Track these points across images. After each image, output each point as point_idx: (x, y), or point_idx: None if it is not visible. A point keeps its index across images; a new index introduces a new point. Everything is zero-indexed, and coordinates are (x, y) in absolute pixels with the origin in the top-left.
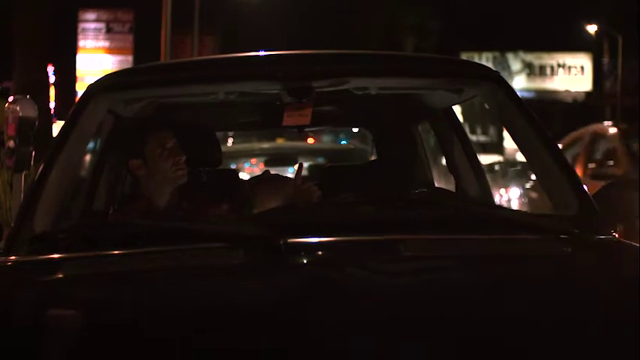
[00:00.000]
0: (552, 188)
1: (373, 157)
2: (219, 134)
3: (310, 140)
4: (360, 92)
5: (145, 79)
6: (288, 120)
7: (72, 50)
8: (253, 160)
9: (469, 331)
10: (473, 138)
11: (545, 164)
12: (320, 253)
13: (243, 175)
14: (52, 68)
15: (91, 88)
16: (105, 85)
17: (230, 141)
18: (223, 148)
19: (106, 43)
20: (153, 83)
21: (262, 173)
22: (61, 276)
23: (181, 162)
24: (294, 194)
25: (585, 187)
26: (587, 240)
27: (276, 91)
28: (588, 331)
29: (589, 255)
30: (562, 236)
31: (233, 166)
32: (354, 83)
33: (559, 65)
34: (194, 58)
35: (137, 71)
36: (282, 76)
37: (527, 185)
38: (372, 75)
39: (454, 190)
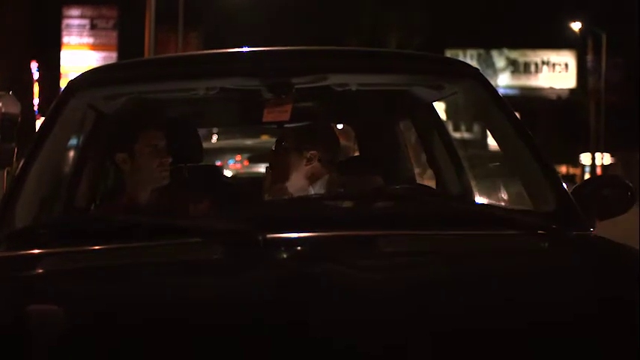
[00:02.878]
0: (531, 184)
1: (356, 153)
2: (203, 131)
3: None
4: (340, 88)
5: (125, 75)
6: (268, 116)
7: (56, 46)
8: (238, 157)
9: (449, 327)
10: (457, 135)
11: (523, 160)
12: (299, 248)
13: (227, 172)
14: (36, 64)
15: (72, 84)
16: (85, 80)
17: (214, 137)
18: (207, 145)
19: (90, 40)
20: (133, 79)
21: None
22: (41, 271)
23: (166, 163)
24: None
25: (564, 183)
26: (564, 236)
27: (256, 88)
28: (565, 325)
29: (566, 251)
30: (539, 232)
31: (218, 163)
32: (334, 79)
33: (543, 62)
34: (174, 54)
35: (118, 67)
36: (262, 72)
37: None
38: (352, 71)
39: (435, 186)
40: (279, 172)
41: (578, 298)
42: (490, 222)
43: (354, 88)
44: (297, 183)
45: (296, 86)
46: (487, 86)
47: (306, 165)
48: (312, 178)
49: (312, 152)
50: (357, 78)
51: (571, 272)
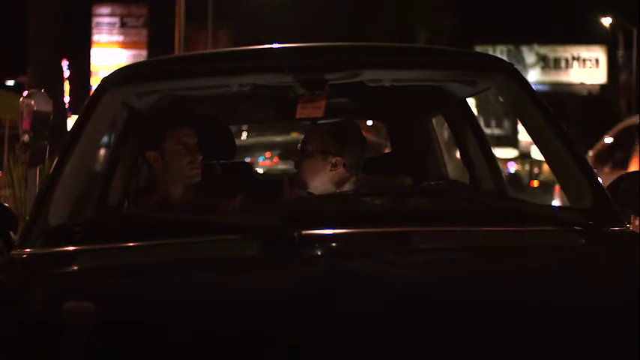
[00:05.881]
0: (567, 180)
1: (387, 150)
2: (232, 128)
3: None
4: (373, 84)
5: (158, 72)
6: (302, 112)
7: (86, 44)
8: (267, 154)
9: (483, 322)
10: (487, 131)
11: (559, 156)
12: (334, 244)
13: (258, 169)
14: (66, 62)
15: (105, 82)
16: (119, 78)
17: (244, 134)
18: (237, 142)
19: (120, 38)
20: (166, 76)
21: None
22: (76, 268)
23: (197, 161)
24: None
25: (599, 179)
26: (601, 232)
27: (289, 84)
28: (601, 321)
29: (603, 247)
30: (576, 228)
31: (248, 160)
32: (367, 75)
33: (574, 58)
34: (207, 51)
35: (151, 64)
36: (296, 68)
37: None
38: (386, 67)
39: (468, 182)
40: (303, 174)
41: (614, 293)
42: (526, 218)
43: (387, 84)
44: (321, 187)
45: (330, 82)
46: (522, 82)
47: (330, 170)
48: (338, 184)
49: (338, 159)
50: (390, 74)
51: (607, 268)
